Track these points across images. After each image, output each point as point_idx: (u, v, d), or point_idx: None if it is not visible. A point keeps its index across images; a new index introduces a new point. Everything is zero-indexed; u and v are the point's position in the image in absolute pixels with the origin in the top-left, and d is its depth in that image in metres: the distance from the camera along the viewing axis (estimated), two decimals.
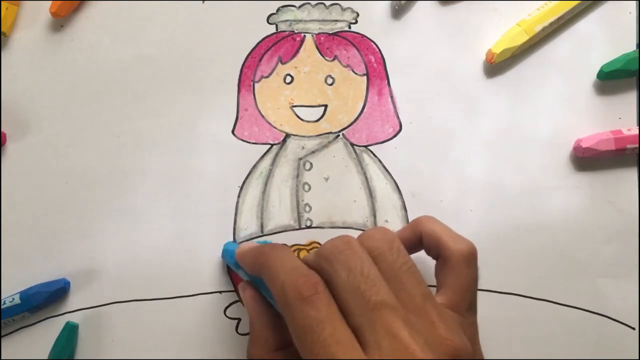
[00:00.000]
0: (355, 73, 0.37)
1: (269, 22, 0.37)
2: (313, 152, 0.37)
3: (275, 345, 0.28)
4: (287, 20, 0.37)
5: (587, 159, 0.37)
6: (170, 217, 0.36)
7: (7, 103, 0.37)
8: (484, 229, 0.37)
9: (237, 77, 0.37)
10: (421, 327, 0.24)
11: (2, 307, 0.35)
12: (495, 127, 0.37)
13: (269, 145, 0.37)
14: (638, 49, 0.37)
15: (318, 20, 0.37)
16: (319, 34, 0.37)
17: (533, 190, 0.37)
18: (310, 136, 0.37)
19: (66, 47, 0.37)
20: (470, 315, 0.28)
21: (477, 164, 0.37)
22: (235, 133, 0.37)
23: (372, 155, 0.37)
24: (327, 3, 0.37)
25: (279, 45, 0.37)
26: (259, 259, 0.27)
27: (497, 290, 0.37)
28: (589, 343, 0.36)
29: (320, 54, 0.37)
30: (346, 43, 0.37)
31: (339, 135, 0.37)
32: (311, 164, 0.37)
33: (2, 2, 0.36)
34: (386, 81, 0.37)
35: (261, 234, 0.37)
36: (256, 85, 0.37)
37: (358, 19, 0.37)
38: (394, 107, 0.37)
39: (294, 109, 0.37)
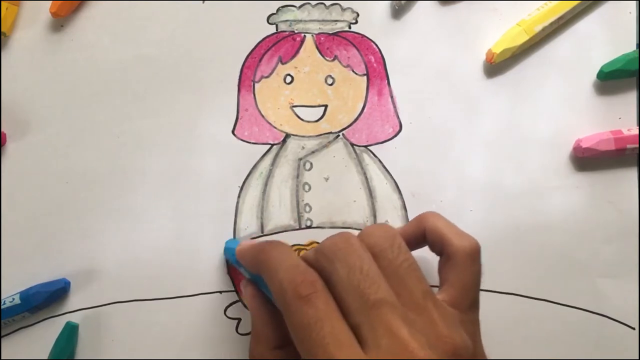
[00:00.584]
0: (355, 73, 0.37)
1: (269, 22, 0.37)
2: (313, 152, 0.37)
3: (276, 343, 0.28)
4: (287, 20, 0.37)
5: (587, 159, 0.37)
6: (170, 217, 0.36)
7: (7, 103, 0.37)
8: (484, 229, 0.37)
9: (237, 77, 0.37)
10: (421, 325, 0.24)
11: (2, 307, 0.35)
12: (495, 127, 0.37)
13: (269, 145, 0.37)
14: (638, 49, 0.37)
15: (318, 20, 0.37)
16: (319, 34, 0.37)
17: (533, 190, 0.37)
18: (310, 136, 0.37)
19: (66, 47, 0.37)
20: (472, 313, 0.28)
21: (477, 164, 0.37)
22: (235, 133, 0.37)
23: (372, 155, 0.37)
24: (327, 3, 0.37)
25: (279, 45, 0.37)
26: (258, 257, 0.27)
27: (497, 290, 0.37)
28: (589, 343, 0.36)
29: (320, 54, 0.37)
30: (346, 43, 0.37)
31: (339, 135, 0.37)
32: (311, 164, 0.37)
33: (2, 2, 0.36)
34: (386, 81, 0.37)
35: (261, 234, 0.37)
36: (256, 85, 0.37)
37: (358, 19, 0.37)
38: (394, 107, 0.37)
39: (294, 109, 0.37)
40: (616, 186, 0.37)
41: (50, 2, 0.36)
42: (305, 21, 0.37)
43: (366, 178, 0.37)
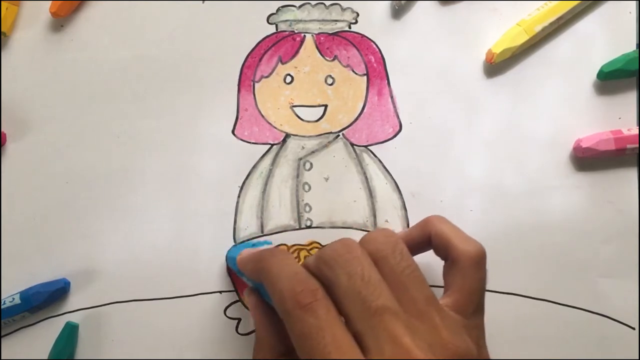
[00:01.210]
0: (355, 73, 0.37)
1: (269, 22, 0.37)
2: (313, 152, 0.37)
3: (280, 352, 0.27)
4: (287, 20, 0.37)
5: (587, 159, 0.37)
6: (170, 217, 0.36)
7: (7, 103, 0.37)
8: (484, 229, 0.37)
9: (237, 77, 0.37)
10: (424, 331, 0.23)
11: (2, 307, 0.35)
12: (495, 127, 0.37)
13: (269, 145, 0.37)
14: (638, 49, 0.37)
15: (318, 20, 0.37)
16: (319, 34, 0.37)
17: (533, 190, 0.37)
18: (310, 136, 0.37)
19: (66, 47, 0.37)
20: (477, 318, 0.28)
21: (477, 164, 0.37)
22: (235, 133, 0.37)
23: (372, 155, 0.37)
24: (327, 3, 0.37)
25: (279, 45, 0.37)
26: (258, 265, 0.27)
27: (497, 290, 0.37)
28: (589, 343, 0.36)
29: (320, 54, 0.37)
30: (346, 43, 0.37)
31: (339, 135, 0.37)
32: (311, 164, 0.37)
33: (2, 2, 0.36)
34: (386, 81, 0.37)
35: (261, 234, 0.37)
36: (256, 85, 0.37)
37: (358, 19, 0.37)
38: (394, 107, 0.37)
39: (294, 109, 0.37)
40: (616, 186, 0.37)
41: (50, 2, 0.36)
42: (305, 21, 0.37)
43: (366, 178, 0.37)
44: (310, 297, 0.24)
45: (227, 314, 0.36)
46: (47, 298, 0.35)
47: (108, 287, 0.36)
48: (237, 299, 0.36)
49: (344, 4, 0.37)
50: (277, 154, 0.37)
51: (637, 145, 0.36)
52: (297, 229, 0.37)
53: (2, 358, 0.36)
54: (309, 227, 0.37)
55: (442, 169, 0.37)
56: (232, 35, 0.37)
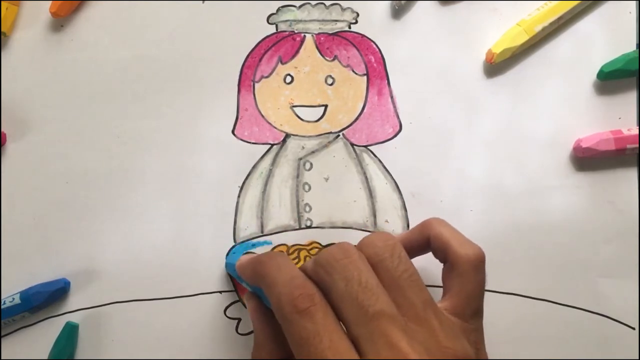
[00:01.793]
0: (355, 73, 0.37)
1: (269, 22, 0.37)
2: (313, 152, 0.37)
3: (278, 356, 0.27)
4: (287, 20, 0.37)
5: (587, 159, 0.37)
6: (170, 217, 0.36)
7: (7, 103, 0.37)
8: (484, 229, 0.37)
9: (237, 77, 0.37)
10: (421, 335, 0.23)
11: (2, 307, 0.35)
12: (495, 127, 0.37)
13: (269, 145, 0.37)
14: (638, 49, 0.37)
15: (318, 20, 0.37)
16: (319, 34, 0.37)
17: (533, 190, 0.37)
18: (310, 136, 0.37)
19: (66, 47, 0.37)
20: (475, 321, 0.28)
21: (477, 164, 0.37)
22: (235, 133, 0.37)
23: (372, 155, 0.37)
24: (327, 3, 0.37)
25: (279, 45, 0.37)
26: (256, 270, 0.27)
27: (497, 290, 0.37)
28: (589, 343, 0.36)
29: (320, 54, 0.37)
30: (346, 43, 0.37)
31: (339, 135, 0.37)
32: (311, 164, 0.37)
33: (2, 2, 0.36)
34: (386, 81, 0.37)
35: (261, 234, 0.37)
36: (256, 85, 0.37)
37: (358, 19, 0.37)
38: (394, 107, 0.37)
39: (294, 109, 0.37)
40: (616, 186, 0.37)
41: (50, 2, 0.36)
42: (305, 21, 0.37)
43: (366, 178, 0.37)
44: (308, 302, 0.24)
45: (227, 314, 0.36)
46: (47, 298, 0.35)
47: (108, 287, 0.36)
48: (237, 299, 0.36)
49: (344, 4, 0.37)
50: (277, 154, 0.37)
51: (637, 145, 0.36)
52: (297, 229, 0.37)
53: (2, 358, 0.36)
54: (309, 227, 0.37)
55: (442, 169, 0.37)
56: (232, 35, 0.37)
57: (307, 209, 0.37)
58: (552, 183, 0.37)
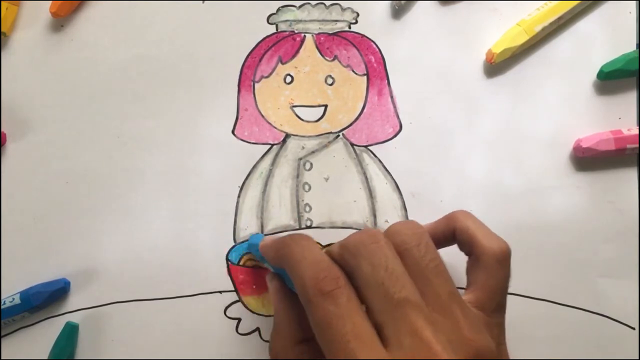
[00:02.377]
0: (355, 73, 0.37)
1: (269, 22, 0.37)
2: (313, 152, 0.37)
3: (298, 338, 0.27)
4: (287, 20, 0.37)
5: (587, 159, 0.37)
6: (170, 217, 0.36)
7: (7, 103, 0.37)
8: None
9: (237, 77, 0.37)
10: (445, 326, 0.23)
11: (2, 307, 0.35)
12: (495, 127, 0.37)
13: (269, 145, 0.37)
14: (638, 49, 0.37)
15: (318, 20, 0.37)
16: (319, 34, 0.37)
17: (533, 190, 0.37)
18: (310, 136, 0.37)
19: (66, 47, 0.37)
20: (498, 316, 0.28)
21: (477, 164, 0.37)
22: (235, 133, 0.37)
23: (372, 155, 0.37)
24: (327, 3, 0.37)
25: (279, 45, 0.37)
26: (281, 251, 0.27)
27: None
28: (589, 343, 0.36)
29: (320, 54, 0.37)
30: (346, 43, 0.37)
31: (339, 135, 0.37)
32: (311, 164, 0.37)
33: (2, 2, 0.36)
34: (386, 81, 0.37)
35: (261, 234, 0.37)
36: (256, 85, 0.37)
37: (358, 19, 0.37)
38: (394, 107, 0.37)
39: (294, 109, 0.37)
40: (616, 186, 0.37)
41: (50, 2, 0.36)
42: (305, 21, 0.37)
43: (366, 178, 0.37)
44: (332, 285, 0.24)
45: (227, 314, 0.36)
46: (47, 298, 0.35)
47: (108, 287, 0.36)
48: (237, 299, 0.36)
49: (344, 4, 0.37)
50: (277, 154, 0.37)
51: (637, 145, 0.36)
52: (297, 229, 0.37)
53: (2, 358, 0.36)
54: (309, 227, 0.37)
55: (442, 169, 0.37)
56: (232, 35, 0.37)
57: (307, 209, 0.37)
58: (552, 183, 0.37)
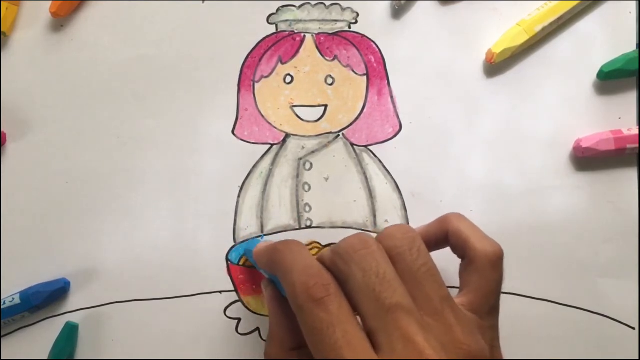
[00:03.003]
0: (355, 73, 0.37)
1: (269, 22, 0.37)
2: (313, 152, 0.37)
3: (292, 345, 0.27)
4: (287, 20, 0.37)
5: (587, 159, 0.37)
6: (170, 217, 0.36)
7: (7, 103, 0.37)
8: (484, 229, 0.36)
9: (237, 77, 0.37)
10: (438, 330, 0.23)
11: (2, 307, 0.35)
12: (495, 127, 0.37)
13: (269, 145, 0.37)
14: (638, 49, 0.37)
15: (318, 20, 0.37)
16: (319, 34, 0.37)
17: (533, 190, 0.37)
18: (310, 136, 0.37)
19: (66, 47, 0.37)
20: (492, 319, 0.27)
21: (477, 164, 0.37)
22: (235, 133, 0.37)
23: (372, 155, 0.37)
24: (327, 3, 0.37)
25: (279, 45, 0.37)
26: (272, 258, 0.27)
27: None
28: (589, 343, 0.36)
29: (320, 54, 0.37)
30: (346, 43, 0.37)
31: (339, 135, 0.37)
32: (311, 164, 0.37)
33: (2, 2, 0.36)
34: (386, 81, 0.37)
35: (261, 234, 0.37)
36: (256, 85, 0.37)
37: (358, 19, 0.37)
38: (394, 107, 0.37)
39: (294, 109, 0.37)
40: (616, 186, 0.37)
41: (50, 2, 0.36)
42: (305, 21, 0.37)
43: (366, 178, 0.37)
44: (323, 292, 0.23)
45: (227, 314, 0.36)
46: (47, 298, 0.35)
47: (108, 287, 0.36)
48: (237, 299, 0.36)
49: (344, 4, 0.37)
50: (277, 154, 0.37)
51: (637, 145, 0.36)
52: (297, 229, 0.37)
53: (2, 358, 0.36)
54: (309, 227, 0.37)
55: (442, 169, 0.37)
56: (232, 35, 0.37)
57: (307, 209, 0.37)
58: (552, 183, 0.37)
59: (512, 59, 0.37)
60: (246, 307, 0.36)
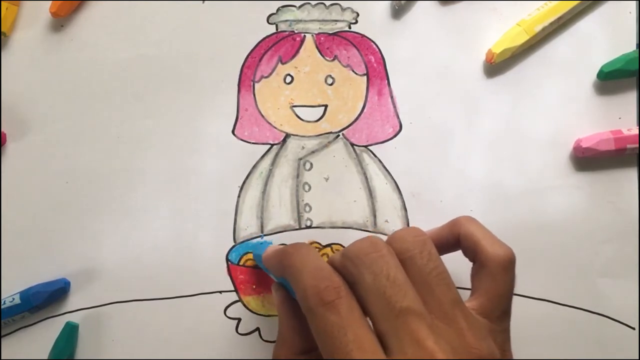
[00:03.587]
0: (355, 73, 0.37)
1: (269, 22, 0.37)
2: (313, 152, 0.37)
3: (301, 348, 0.27)
4: (287, 20, 0.37)
5: (587, 159, 0.37)
6: (170, 217, 0.36)
7: (7, 103, 0.37)
8: None
9: (237, 77, 0.37)
10: (448, 334, 0.23)
11: (2, 307, 0.35)
12: (495, 127, 0.37)
13: (269, 145, 0.37)
14: (638, 49, 0.37)
15: (318, 20, 0.37)
16: (319, 34, 0.37)
17: (533, 190, 0.37)
18: (310, 136, 0.37)
19: (66, 47, 0.37)
20: (503, 322, 0.27)
21: (477, 164, 0.37)
22: (235, 133, 0.37)
23: (372, 155, 0.37)
24: (327, 3, 0.37)
25: (279, 45, 0.37)
26: (283, 261, 0.27)
27: None
28: (589, 343, 0.36)
29: (320, 54, 0.37)
30: (346, 43, 0.37)
31: (339, 135, 0.37)
32: (311, 164, 0.37)
33: (2, 2, 0.36)
34: (386, 81, 0.37)
35: (261, 234, 0.37)
36: (256, 85, 0.37)
37: (358, 19, 0.37)
38: (394, 107, 0.37)
39: (294, 109, 0.37)
40: (616, 186, 0.37)
41: (50, 2, 0.36)
42: (305, 21, 0.37)
43: (366, 178, 0.37)
44: (334, 295, 0.23)
45: (227, 314, 0.36)
46: (47, 298, 0.35)
47: (108, 287, 0.36)
48: (237, 299, 0.36)
49: (344, 4, 0.37)
50: (277, 154, 0.37)
51: (637, 145, 0.36)
52: (297, 229, 0.37)
53: (2, 358, 0.36)
54: (309, 227, 0.37)
55: (442, 169, 0.37)
56: (232, 35, 0.37)
57: (307, 209, 0.37)
58: (552, 183, 0.37)
59: (512, 59, 0.37)
60: (246, 307, 0.36)
